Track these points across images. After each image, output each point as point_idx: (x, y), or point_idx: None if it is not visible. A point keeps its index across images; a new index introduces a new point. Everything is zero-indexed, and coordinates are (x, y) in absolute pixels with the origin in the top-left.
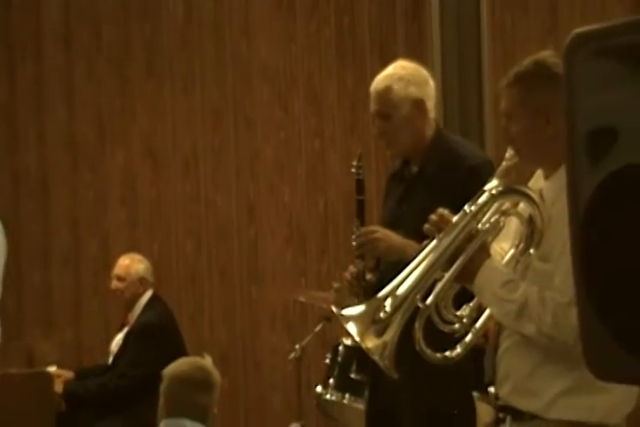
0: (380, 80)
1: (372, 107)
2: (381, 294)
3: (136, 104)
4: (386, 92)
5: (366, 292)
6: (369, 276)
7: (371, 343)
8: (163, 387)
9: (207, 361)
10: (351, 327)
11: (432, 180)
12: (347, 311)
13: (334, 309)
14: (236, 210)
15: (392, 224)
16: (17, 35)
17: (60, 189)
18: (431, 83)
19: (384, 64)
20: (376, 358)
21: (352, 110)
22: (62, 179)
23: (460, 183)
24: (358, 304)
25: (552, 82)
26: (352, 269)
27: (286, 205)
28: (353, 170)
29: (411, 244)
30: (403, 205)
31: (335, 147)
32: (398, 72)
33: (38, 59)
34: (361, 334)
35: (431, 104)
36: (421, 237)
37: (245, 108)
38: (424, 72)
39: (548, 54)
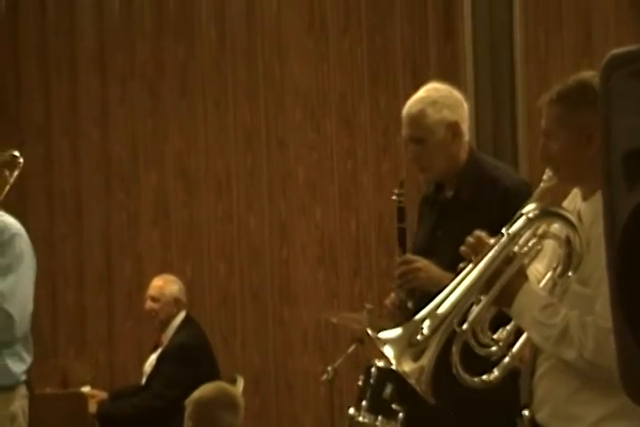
0: (412, 104)
1: (405, 131)
2: (418, 316)
3: (169, 125)
4: (420, 117)
5: (408, 320)
6: (410, 304)
7: (407, 367)
8: (188, 413)
9: (237, 385)
10: (388, 351)
11: (468, 204)
12: (383, 335)
13: (370, 332)
14: (269, 231)
15: (426, 251)
16: (52, 56)
17: (94, 210)
18: (465, 105)
19: (417, 85)
20: (413, 382)
21: (385, 131)
22: (96, 200)
23: (497, 206)
24: (394, 327)
25: (595, 102)
26: (393, 297)
27: (318, 225)
28: (394, 197)
29: (449, 276)
30: (437, 230)
31: (367, 168)
32: (431, 95)
33: (73, 80)
34: (398, 358)
35: (465, 126)
36: (456, 265)
37: (278, 129)
38: (457, 94)
39: (591, 74)
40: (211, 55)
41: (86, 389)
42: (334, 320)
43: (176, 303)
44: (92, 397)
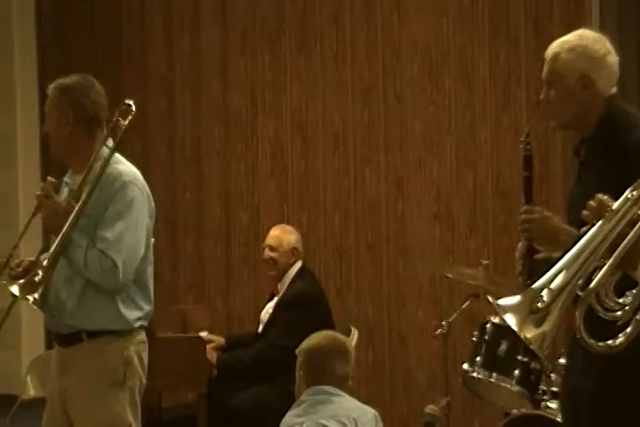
0: (553, 46)
1: (543, 73)
2: (539, 283)
3: (287, 78)
4: (553, 60)
5: (530, 271)
6: (539, 255)
7: (530, 334)
8: (299, 362)
9: (351, 336)
10: (509, 318)
11: (598, 160)
12: (503, 302)
13: (490, 298)
14: (385, 184)
15: (570, 206)
16: (175, 10)
17: (214, 160)
18: (610, 58)
19: (539, 39)
20: (535, 348)
21: (505, 86)
22: (215, 150)
23: (625, 163)
24: (522, 284)
25: None
26: (520, 246)
27: (434, 180)
28: (521, 145)
29: (566, 230)
30: (576, 186)
31: (486, 123)
32: (573, 41)
33: (195, 34)
34: (519, 325)
35: (603, 79)
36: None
37: (395, 84)
38: (603, 45)
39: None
40: (330, 9)
41: (204, 334)
42: (449, 275)
43: (293, 253)
44: (210, 341)
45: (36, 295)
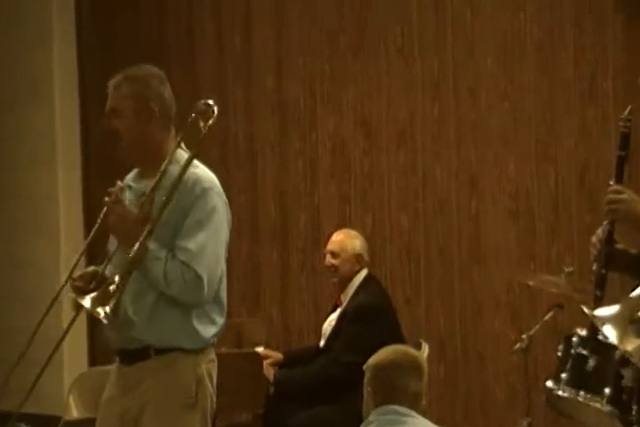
0: None
1: None
2: (639, 290)
3: (348, 71)
4: None
5: (608, 260)
6: (619, 246)
7: (630, 346)
8: (367, 378)
9: (422, 351)
10: (608, 330)
11: None
12: (601, 312)
13: (585, 309)
14: (456, 183)
15: None
16: (226, 8)
17: (269, 158)
18: None
19: (629, 30)
20: (636, 360)
21: (591, 78)
22: (271, 147)
23: None
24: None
25: None
26: (599, 231)
27: (511, 177)
28: (621, 123)
29: None
30: None
31: (569, 115)
32: None
33: (246, 30)
34: (620, 337)
35: None
36: None
37: (468, 77)
38: None
39: None
40: (393, 2)
41: (260, 349)
42: (530, 283)
43: (357, 260)
44: (267, 357)
45: (107, 309)
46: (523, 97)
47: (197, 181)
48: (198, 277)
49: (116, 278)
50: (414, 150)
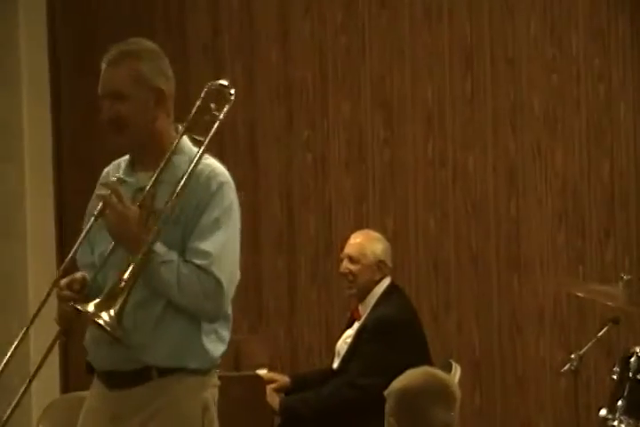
0: None
1: None
2: None
3: (366, 41)
4: None
5: None
6: None
7: None
8: (389, 406)
9: (452, 373)
10: None
11: None
12: None
13: None
14: (493, 176)
15: None
16: None
17: (272, 150)
18: None
19: None
20: None
21: None
22: (275, 137)
23: None
24: None
25: None
26: None
27: (559, 170)
28: None
29: None
30: None
31: (627, 95)
32: None
33: None
34: None
35: None
36: None
37: (507, 45)
38: None
39: None
40: None
41: (263, 371)
42: (579, 294)
43: (379, 267)
44: (271, 382)
45: (112, 312)
46: (573, 70)
47: (212, 174)
48: (218, 284)
49: (122, 283)
50: (443, 138)
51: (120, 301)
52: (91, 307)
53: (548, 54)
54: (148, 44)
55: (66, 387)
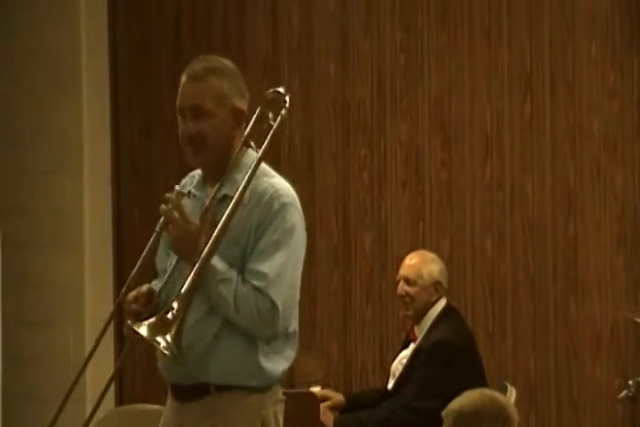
0: None
1: None
2: None
3: (424, 62)
4: None
5: None
6: None
7: None
8: (447, 426)
9: (508, 396)
10: None
11: None
12: None
13: None
14: (551, 200)
15: None
16: None
17: (329, 169)
18: None
19: None
20: None
21: None
22: (332, 156)
23: None
24: None
25: None
26: None
27: (618, 194)
28: None
29: None
30: None
31: None
32: None
33: (305, 4)
34: None
35: None
36: None
37: (567, 68)
38: None
39: None
40: None
41: (317, 389)
42: (638, 320)
43: (436, 288)
44: (325, 399)
45: (169, 338)
46: (634, 95)
47: (275, 194)
48: (274, 306)
49: (175, 304)
50: (501, 160)
51: (176, 323)
52: (144, 328)
53: (609, 77)
54: (228, 62)
55: (120, 399)
